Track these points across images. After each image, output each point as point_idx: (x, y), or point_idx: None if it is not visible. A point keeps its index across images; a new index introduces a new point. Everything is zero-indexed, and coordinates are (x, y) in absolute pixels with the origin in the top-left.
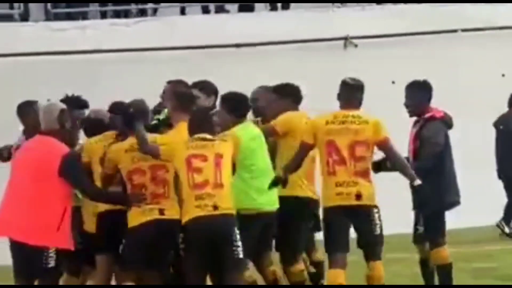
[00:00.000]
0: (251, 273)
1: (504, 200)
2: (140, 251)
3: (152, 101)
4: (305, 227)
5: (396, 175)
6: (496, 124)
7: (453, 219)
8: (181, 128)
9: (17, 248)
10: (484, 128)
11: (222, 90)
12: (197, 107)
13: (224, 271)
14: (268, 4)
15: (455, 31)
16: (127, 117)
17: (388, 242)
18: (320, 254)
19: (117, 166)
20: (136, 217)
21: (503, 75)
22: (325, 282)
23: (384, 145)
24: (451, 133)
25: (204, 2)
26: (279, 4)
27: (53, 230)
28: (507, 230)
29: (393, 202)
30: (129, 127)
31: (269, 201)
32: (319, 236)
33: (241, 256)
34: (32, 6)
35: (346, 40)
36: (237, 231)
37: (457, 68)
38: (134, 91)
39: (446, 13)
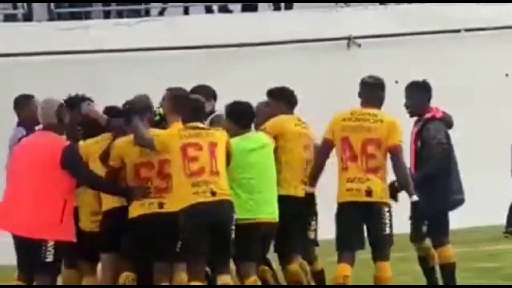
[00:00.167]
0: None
1: (507, 199)
2: (140, 243)
3: (155, 101)
4: (300, 226)
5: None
6: None
7: (457, 219)
8: (174, 126)
9: (18, 242)
10: (487, 128)
11: (224, 90)
12: (192, 98)
13: (217, 251)
14: (271, 4)
15: (458, 31)
16: (125, 112)
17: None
18: (320, 263)
19: (123, 160)
20: (135, 209)
21: (506, 75)
22: (333, 275)
23: (393, 152)
24: (454, 132)
25: (207, 2)
26: (282, 4)
27: (56, 223)
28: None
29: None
30: (127, 121)
31: (267, 213)
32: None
33: (232, 238)
34: (35, 6)
35: (349, 40)
36: (235, 217)
37: (460, 67)
38: (137, 91)
39: (449, 13)
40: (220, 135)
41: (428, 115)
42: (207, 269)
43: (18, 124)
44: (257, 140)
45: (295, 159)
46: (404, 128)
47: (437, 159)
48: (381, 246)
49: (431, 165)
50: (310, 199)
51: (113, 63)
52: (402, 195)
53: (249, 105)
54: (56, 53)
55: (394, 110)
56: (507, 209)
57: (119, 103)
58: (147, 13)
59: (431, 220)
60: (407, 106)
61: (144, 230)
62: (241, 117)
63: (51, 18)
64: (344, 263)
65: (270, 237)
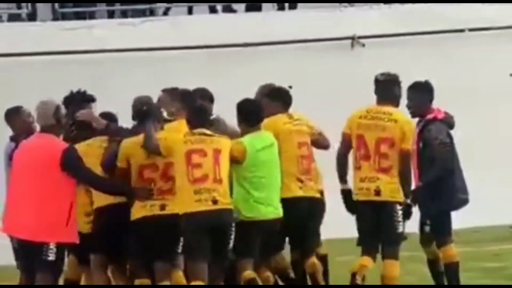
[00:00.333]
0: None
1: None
2: (143, 244)
3: (156, 100)
4: (304, 224)
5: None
6: None
7: (460, 219)
8: (182, 123)
9: (21, 245)
10: (491, 128)
11: (228, 90)
12: (198, 104)
13: (213, 258)
14: (275, 4)
15: (462, 30)
16: (140, 114)
17: None
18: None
19: (128, 160)
20: (137, 211)
21: (510, 75)
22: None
23: (403, 155)
24: (457, 132)
25: (211, 2)
26: (286, 4)
27: (62, 225)
28: None
29: None
30: (141, 124)
31: (269, 211)
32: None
33: (230, 247)
34: (39, 5)
35: (354, 39)
36: (233, 229)
37: (464, 67)
38: (141, 91)
39: (453, 12)
40: (225, 142)
41: (429, 116)
42: None
43: (11, 139)
44: (267, 138)
45: (288, 158)
46: None
47: (442, 159)
48: (391, 245)
49: (437, 166)
50: (306, 200)
51: (117, 63)
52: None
53: (257, 103)
54: (60, 53)
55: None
56: None
57: (122, 103)
58: (151, 13)
59: (434, 220)
60: (409, 107)
61: (146, 232)
62: (249, 115)
63: (55, 18)
64: (365, 256)
65: (275, 232)
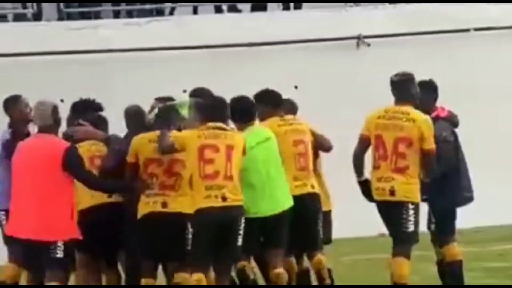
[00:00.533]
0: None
1: None
2: (149, 242)
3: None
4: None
5: None
6: None
7: (464, 219)
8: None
9: (28, 246)
10: (497, 127)
11: (234, 90)
12: (214, 97)
13: (220, 256)
14: (280, 3)
15: (467, 30)
16: (160, 117)
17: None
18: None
19: (137, 155)
20: (141, 208)
21: None
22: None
23: (427, 155)
24: (463, 132)
25: (216, 2)
26: (291, 4)
27: (65, 223)
28: None
29: None
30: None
31: (266, 207)
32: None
33: (239, 243)
34: (45, 5)
35: (359, 39)
36: (242, 225)
37: (470, 67)
38: (146, 91)
39: (458, 12)
40: (238, 138)
41: (432, 115)
42: None
43: (9, 126)
44: (261, 133)
45: (285, 157)
46: None
47: (446, 157)
48: (401, 243)
49: (443, 164)
50: (305, 197)
51: (122, 62)
52: None
53: (248, 100)
54: (65, 53)
55: None
56: None
57: (127, 102)
58: (158, 13)
59: (439, 217)
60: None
61: (149, 229)
62: (241, 112)
63: (60, 18)
64: (395, 257)
65: (275, 229)
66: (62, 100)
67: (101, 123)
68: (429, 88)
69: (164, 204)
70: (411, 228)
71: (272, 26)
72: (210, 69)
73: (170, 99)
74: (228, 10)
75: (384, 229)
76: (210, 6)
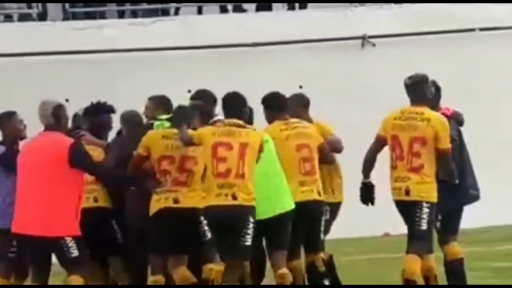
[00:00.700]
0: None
1: None
2: (161, 237)
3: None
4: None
5: None
6: None
7: (470, 219)
8: None
9: (35, 243)
10: (503, 126)
11: (238, 89)
12: (233, 93)
13: (228, 255)
14: (285, 3)
15: (472, 30)
16: (176, 117)
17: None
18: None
19: (149, 150)
20: (153, 204)
21: None
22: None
23: (443, 154)
24: (467, 131)
25: (221, 2)
26: (296, 4)
27: (71, 220)
28: None
29: None
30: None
31: (260, 210)
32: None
33: (247, 243)
34: (50, 5)
35: (364, 39)
36: (252, 221)
37: (475, 67)
38: (150, 90)
39: (463, 12)
40: (254, 136)
41: None
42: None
43: (1, 143)
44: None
45: (288, 162)
46: None
47: (452, 156)
48: (414, 241)
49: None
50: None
51: (127, 62)
52: None
53: (243, 99)
54: (70, 53)
55: None
56: None
57: (132, 102)
58: (163, 12)
59: (444, 216)
60: None
61: (162, 224)
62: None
63: (65, 18)
64: (408, 254)
65: (275, 231)
66: (67, 100)
67: (102, 131)
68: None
69: (176, 200)
70: (424, 226)
71: (277, 26)
72: (215, 69)
73: (164, 98)
74: (233, 10)
75: (388, 229)
76: (215, 6)
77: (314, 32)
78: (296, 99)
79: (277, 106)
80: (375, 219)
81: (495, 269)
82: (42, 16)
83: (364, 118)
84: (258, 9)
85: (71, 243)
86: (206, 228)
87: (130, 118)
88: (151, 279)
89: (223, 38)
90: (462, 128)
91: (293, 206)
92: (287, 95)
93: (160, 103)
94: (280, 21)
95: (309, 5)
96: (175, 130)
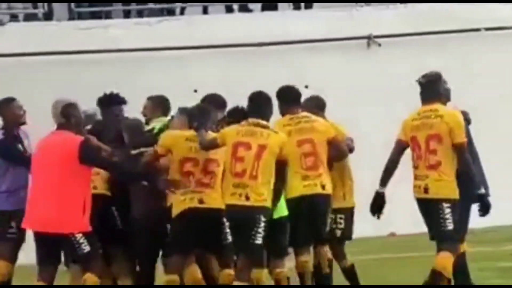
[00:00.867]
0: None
1: None
2: (185, 237)
3: (175, 100)
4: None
5: None
6: None
7: (476, 218)
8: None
9: (45, 239)
10: (510, 125)
11: (245, 89)
12: (258, 92)
13: (241, 253)
14: (291, 3)
15: (478, 30)
16: (197, 118)
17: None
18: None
19: (170, 151)
20: (178, 205)
21: None
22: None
23: (458, 149)
24: (474, 131)
25: (227, 2)
26: (302, 4)
27: (79, 216)
28: None
29: None
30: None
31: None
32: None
33: (257, 242)
34: (56, 5)
35: (370, 39)
36: (263, 221)
37: (481, 66)
38: (156, 90)
39: (469, 12)
40: (274, 138)
41: None
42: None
43: (1, 128)
44: None
45: (290, 158)
46: None
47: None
48: (444, 242)
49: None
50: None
51: (132, 62)
52: None
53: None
54: (75, 53)
55: (415, 109)
56: None
57: (137, 102)
58: (168, 12)
59: None
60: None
61: (186, 224)
62: (231, 115)
63: (71, 18)
64: (439, 252)
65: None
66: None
67: (107, 133)
68: None
69: (201, 201)
70: (449, 226)
71: (282, 26)
72: (220, 69)
73: (163, 98)
74: (238, 10)
75: (393, 229)
76: (221, 6)
77: (320, 32)
78: (312, 101)
79: (289, 99)
80: (381, 219)
81: (501, 269)
82: (48, 16)
83: (369, 117)
84: (263, 9)
85: (81, 239)
86: (228, 230)
87: (134, 127)
88: (165, 278)
89: (229, 38)
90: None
91: (286, 213)
92: None
93: (158, 103)
94: (285, 21)
95: (315, 5)
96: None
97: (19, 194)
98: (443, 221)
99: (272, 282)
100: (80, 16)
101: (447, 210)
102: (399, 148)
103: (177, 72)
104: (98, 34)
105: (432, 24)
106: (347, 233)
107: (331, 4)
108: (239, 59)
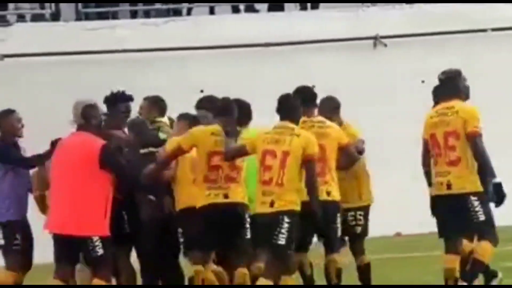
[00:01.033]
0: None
1: None
2: (207, 232)
3: (181, 100)
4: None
5: None
6: None
7: None
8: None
9: (65, 241)
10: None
11: (251, 89)
12: (286, 95)
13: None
14: (297, 3)
15: (484, 30)
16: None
17: (416, 241)
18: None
19: (195, 146)
20: (201, 199)
21: None
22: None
23: (469, 138)
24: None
25: (233, 2)
26: (308, 4)
27: (100, 219)
28: None
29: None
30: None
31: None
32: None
33: (280, 242)
34: (63, 6)
35: (376, 39)
36: (286, 225)
37: (487, 67)
38: (163, 90)
39: (475, 12)
40: (296, 142)
41: None
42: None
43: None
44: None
45: None
46: None
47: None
48: (479, 232)
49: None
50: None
51: (139, 62)
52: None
53: (244, 102)
54: (83, 53)
55: (421, 109)
56: None
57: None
58: (175, 13)
59: None
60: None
61: (210, 219)
62: (238, 115)
63: (78, 18)
64: (448, 255)
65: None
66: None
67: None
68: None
69: (226, 195)
70: (481, 217)
71: (289, 26)
72: (227, 69)
73: (159, 98)
74: (245, 10)
75: (399, 229)
76: (227, 6)
77: (326, 32)
78: (328, 101)
79: (304, 99)
80: (386, 218)
81: (506, 269)
82: (55, 17)
83: (375, 117)
84: (270, 9)
85: (97, 242)
86: (248, 226)
87: (140, 125)
88: (194, 268)
89: (235, 38)
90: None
91: None
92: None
93: (154, 104)
94: (292, 21)
95: (321, 5)
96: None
97: (20, 202)
98: (474, 214)
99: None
100: (87, 17)
101: (476, 203)
102: (425, 147)
103: (183, 72)
104: (105, 35)
105: (438, 24)
106: (366, 230)
107: (337, 4)
108: (246, 59)
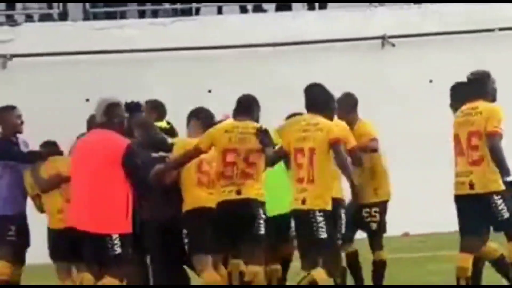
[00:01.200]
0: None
1: None
2: (220, 230)
3: (190, 100)
4: None
5: None
6: None
7: None
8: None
9: (85, 239)
10: None
11: (259, 89)
12: (316, 85)
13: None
14: (305, 3)
15: (492, 30)
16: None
17: (423, 241)
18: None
19: (213, 145)
20: (217, 196)
21: None
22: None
23: (488, 137)
24: None
25: (241, 2)
26: (316, 4)
27: (123, 218)
28: None
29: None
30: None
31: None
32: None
33: (322, 236)
34: (70, 5)
35: (384, 39)
36: (320, 221)
37: (495, 67)
38: (171, 90)
39: (483, 12)
40: (320, 138)
41: None
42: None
43: (2, 135)
44: None
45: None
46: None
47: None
48: (506, 230)
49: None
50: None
51: (147, 62)
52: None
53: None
54: (91, 53)
55: (428, 109)
56: None
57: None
58: (183, 12)
59: None
60: (452, 105)
61: (223, 216)
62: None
63: (86, 18)
64: (462, 254)
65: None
66: (87, 100)
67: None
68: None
69: (239, 192)
70: (506, 214)
71: (296, 26)
72: (234, 69)
73: (158, 102)
74: (253, 10)
75: (407, 229)
76: (235, 6)
77: (334, 32)
78: (346, 99)
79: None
80: (394, 218)
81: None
82: (63, 16)
83: (382, 117)
84: (278, 9)
85: (116, 240)
86: (262, 222)
87: (146, 123)
88: (204, 277)
89: (243, 38)
90: None
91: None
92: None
93: (155, 108)
94: (299, 21)
95: (329, 5)
96: (235, 123)
97: (17, 199)
98: (498, 212)
99: None
100: (95, 16)
101: (499, 202)
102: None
103: (192, 72)
104: (113, 34)
105: (446, 24)
106: (383, 226)
107: (345, 4)
108: (254, 59)
